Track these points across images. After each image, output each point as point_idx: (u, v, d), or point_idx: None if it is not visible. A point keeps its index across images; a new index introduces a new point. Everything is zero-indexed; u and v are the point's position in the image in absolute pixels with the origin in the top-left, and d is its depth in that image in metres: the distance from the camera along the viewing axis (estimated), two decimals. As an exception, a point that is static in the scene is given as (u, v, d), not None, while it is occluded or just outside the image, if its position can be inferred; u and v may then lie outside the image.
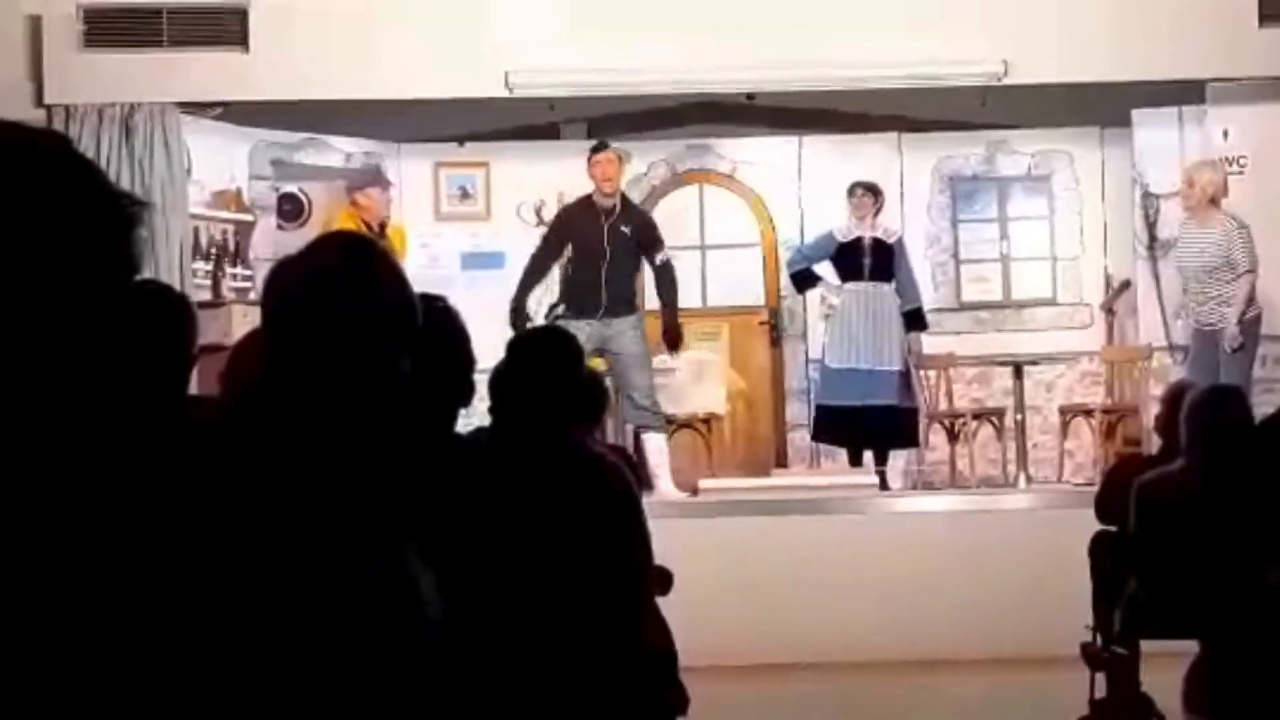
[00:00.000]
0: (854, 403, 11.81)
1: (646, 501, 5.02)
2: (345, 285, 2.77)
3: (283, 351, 2.78)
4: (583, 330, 10.69)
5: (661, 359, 11.64)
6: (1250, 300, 10.74)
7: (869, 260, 12.01)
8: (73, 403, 1.77)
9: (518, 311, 11.07)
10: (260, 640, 1.94)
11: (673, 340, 11.37)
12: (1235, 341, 10.63)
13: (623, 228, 11.18)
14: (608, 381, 9.56)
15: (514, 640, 4.28)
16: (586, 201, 11.29)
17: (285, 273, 2.86)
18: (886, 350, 11.90)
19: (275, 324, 2.82)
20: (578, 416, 4.77)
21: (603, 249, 11.05)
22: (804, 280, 12.44)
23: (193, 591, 1.81)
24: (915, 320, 12.14)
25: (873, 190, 12.13)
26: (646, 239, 11.36)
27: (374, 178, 11.67)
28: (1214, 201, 10.90)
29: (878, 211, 12.14)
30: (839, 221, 12.21)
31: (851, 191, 12.13)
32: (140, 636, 1.75)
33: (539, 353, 4.65)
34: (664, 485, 11.06)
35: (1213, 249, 10.79)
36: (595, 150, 11.37)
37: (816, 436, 12.46)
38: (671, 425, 11.71)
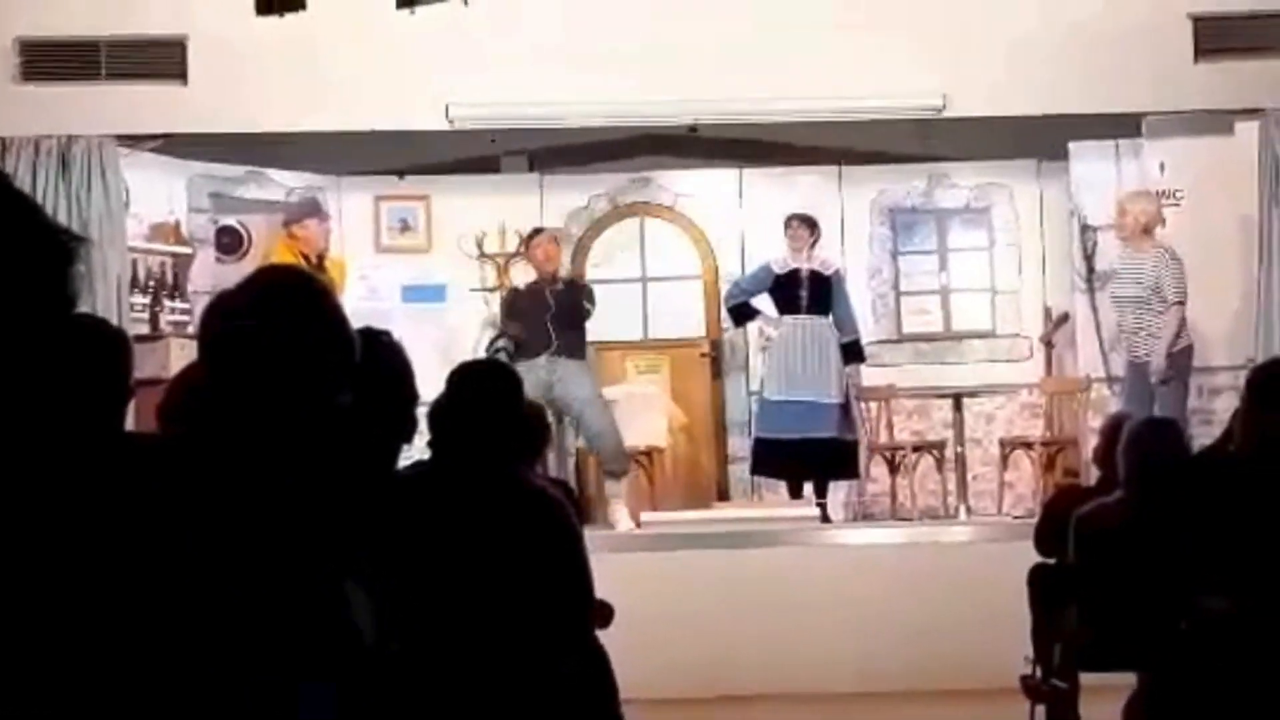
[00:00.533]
0: (793, 435, 11.79)
1: (589, 535, 5.01)
2: (281, 319, 2.76)
3: (220, 385, 2.77)
4: (530, 373, 10.72)
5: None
6: (1179, 333, 10.77)
7: (806, 292, 12.01)
8: (10, 432, 1.77)
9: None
10: (225, 661, 1.93)
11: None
12: (1163, 374, 10.65)
13: (563, 287, 11.43)
14: (549, 416, 9.58)
15: (455, 671, 4.26)
16: (532, 284, 11.57)
17: (223, 306, 2.85)
18: (825, 382, 11.88)
19: (212, 358, 2.81)
20: (519, 450, 4.77)
21: (548, 304, 11.25)
22: (741, 314, 12.45)
23: (165, 611, 1.81)
24: (853, 352, 12.14)
25: (808, 222, 12.13)
26: (581, 291, 11.61)
27: (311, 209, 11.61)
28: (1147, 231, 10.94)
29: (814, 243, 12.13)
30: (777, 254, 12.22)
31: (787, 224, 12.13)
32: (112, 661, 1.74)
33: (479, 386, 4.64)
34: (621, 527, 11.07)
35: (1144, 279, 10.83)
36: (532, 235, 11.57)
37: (755, 470, 12.36)
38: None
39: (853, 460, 12.06)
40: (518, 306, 11.50)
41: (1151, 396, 10.62)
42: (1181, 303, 10.70)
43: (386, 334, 4.02)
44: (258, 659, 2.25)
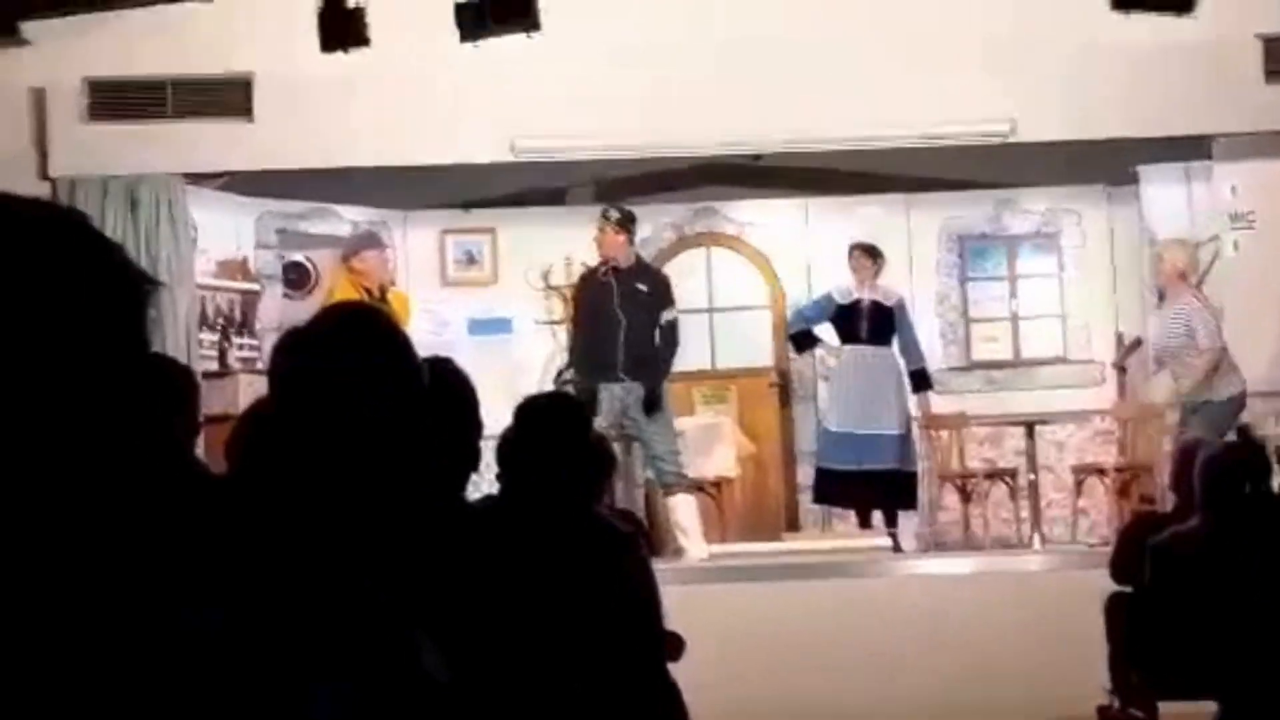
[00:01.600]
0: (851, 466, 11.75)
1: (658, 567, 4.99)
2: (351, 356, 2.75)
3: (290, 421, 2.76)
4: (604, 397, 10.56)
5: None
6: (1206, 375, 10.61)
7: (866, 323, 11.97)
8: (86, 475, 1.77)
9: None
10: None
11: (650, 403, 10.75)
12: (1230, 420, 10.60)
13: (638, 285, 10.90)
14: (616, 447, 9.52)
15: (524, 704, 4.24)
16: (600, 267, 11.10)
17: (292, 343, 2.85)
18: (884, 414, 11.82)
19: (283, 394, 2.80)
20: (586, 483, 4.75)
21: (615, 313, 10.78)
22: (803, 341, 12.43)
23: (224, 649, 1.79)
24: (921, 380, 12.09)
25: (870, 252, 12.09)
26: (659, 297, 11.01)
27: (368, 241, 11.58)
28: (1183, 277, 10.90)
29: (877, 273, 12.08)
30: (842, 282, 12.18)
31: (850, 253, 12.11)
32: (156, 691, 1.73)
33: (547, 419, 4.62)
34: (695, 550, 10.84)
35: (1178, 328, 10.76)
36: (603, 219, 11.05)
37: (818, 499, 12.40)
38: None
39: (911, 491, 11.99)
40: (587, 297, 10.98)
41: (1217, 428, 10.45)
42: (1213, 349, 10.59)
43: (449, 361, 4.01)
44: (310, 700, 2.23)
